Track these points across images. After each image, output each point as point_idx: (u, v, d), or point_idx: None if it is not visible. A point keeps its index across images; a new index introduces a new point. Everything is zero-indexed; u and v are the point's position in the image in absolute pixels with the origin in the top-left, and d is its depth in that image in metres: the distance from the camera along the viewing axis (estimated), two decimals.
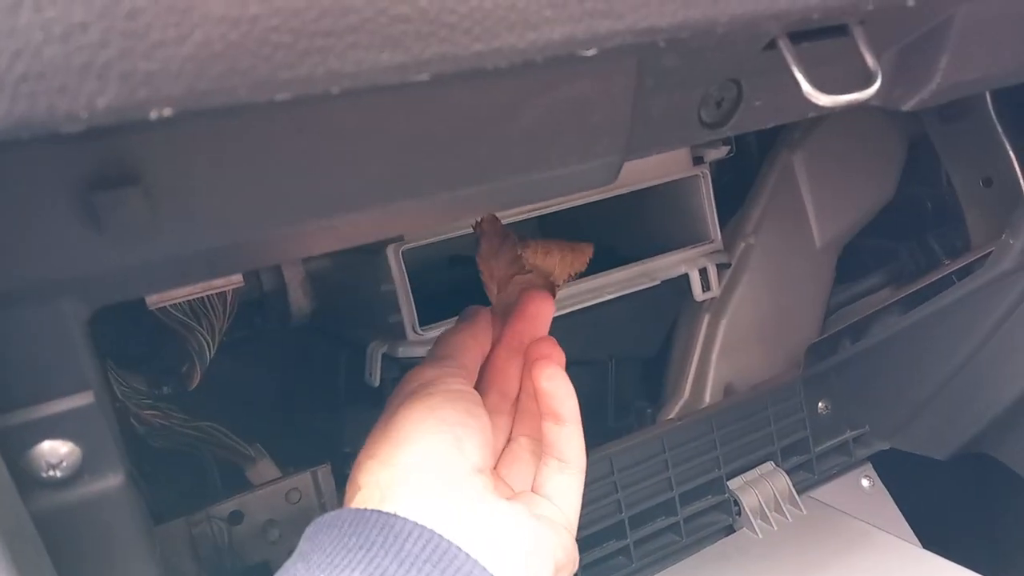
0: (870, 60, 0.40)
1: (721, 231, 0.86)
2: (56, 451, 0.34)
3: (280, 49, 0.24)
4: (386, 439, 0.46)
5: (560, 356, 0.53)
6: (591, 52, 0.29)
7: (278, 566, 0.72)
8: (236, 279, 0.71)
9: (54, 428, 0.34)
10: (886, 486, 0.94)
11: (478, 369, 0.55)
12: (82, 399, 0.34)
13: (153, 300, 0.67)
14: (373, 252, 0.74)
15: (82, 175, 0.29)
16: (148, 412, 0.78)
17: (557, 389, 0.50)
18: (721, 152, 0.85)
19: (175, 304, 0.72)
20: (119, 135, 0.28)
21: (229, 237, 0.34)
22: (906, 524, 0.92)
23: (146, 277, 0.34)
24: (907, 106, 0.49)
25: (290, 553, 0.73)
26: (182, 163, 0.31)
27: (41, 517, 0.35)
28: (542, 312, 0.56)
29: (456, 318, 0.57)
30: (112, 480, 0.36)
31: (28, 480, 0.35)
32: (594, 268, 0.82)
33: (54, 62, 0.22)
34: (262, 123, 0.32)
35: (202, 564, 0.71)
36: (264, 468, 0.77)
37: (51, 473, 0.35)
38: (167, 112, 0.23)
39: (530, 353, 0.54)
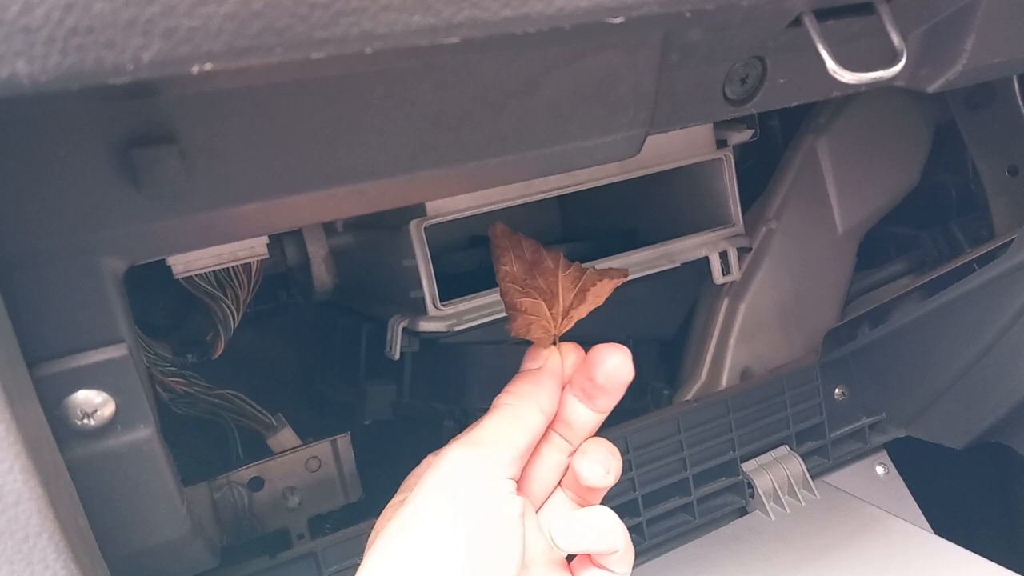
0: (895, 39, 0.40)
1: (743, 215, 0.86)
2: (91, 400, 0.36)
3: (316, 9, 0.25)
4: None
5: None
6: (618, 20, 0.29)
7: (296, 532, 0.74)
8: (260, 250, 0.72)
9: (89, 378, 0.35)
10: (901, 474, 0.94)
11: (532, 448, 0.44)
12: (116, 351, 0.36)
13: (179, 269, 0.68)
14: (395, 228, 0.75)
15: (122, 133, 0.30)
16: (172, 379, 0.80)
17: None
18: (745, 136, 0.85)
19: (201, 274, 0.73)
20: (158, 95, 0.29)
21: (259, 198, 0.35)
22: (920, 512, 0.92)
23: (180, 234, 0.35)
24: (932, 87, 0.49)
25: (308, 521, 0.75)
26: (216, 125, 0.32)
27: (75, 465, 0.37)
28: (615, 374, 0.44)
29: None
30: (143, 432, 0.38)
31: (63, 428, 0.36)
32: (616, 249, 0.83)
33: (102, 17, 0.23)
34: (294, 90, 0.33)
35: (223, 528, 0.73)
36: (285, 436, 0.78)
37: (85, 422, 0.36)
38: (208, 67, 0.24)
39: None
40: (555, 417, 0.46)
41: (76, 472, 0.37)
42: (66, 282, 0.34)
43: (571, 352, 0.47)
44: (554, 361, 0.46)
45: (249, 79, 0.29)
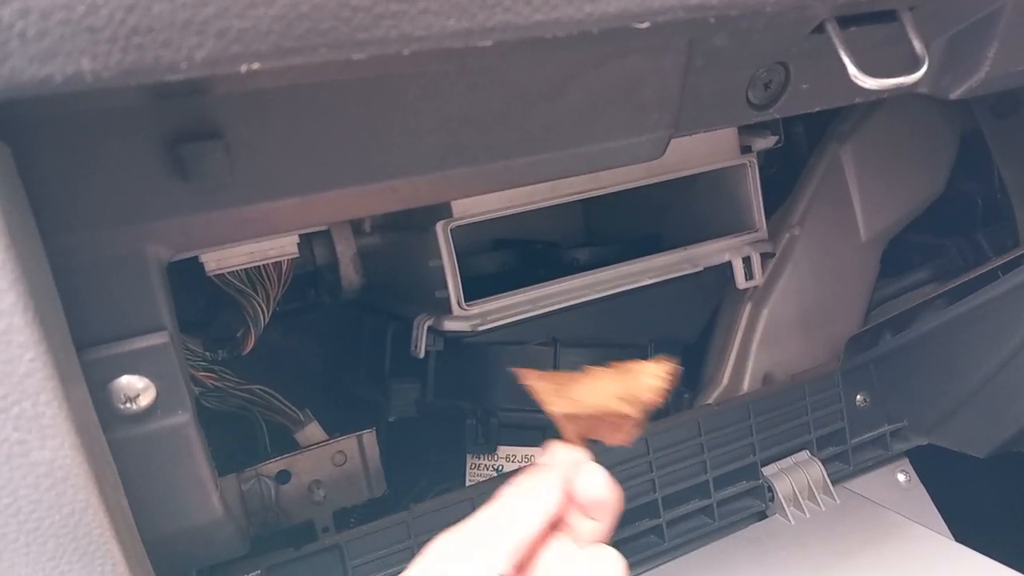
0: (918, 46, 0.41)
1: (767, 221, 0.87)
2: (133, 386, 0.37)
3: (359, 12, 0.26)
4: None
5: None
6: (644, 25, 0.31)
7: (321, 525, 0.76)
8: (291, 249, 0.73)
9: (132, 364, 0.37)
10: (923, 482, 0.93)
11: (528, 543, 0.40)
12: (158, 338, 0.37)
13: (212, 267, 0.70)
14: (422, 229, 0.76)
15: (171, 128, 0.32)
16: (203, 374, 0.82)
17: None
18: (769, 142, 0.85)
19: (233, 272, 0.75)
20: (206, 92, 0.31)
21: (296, 193, 0.36)
22: (941, 520, 0.92)
23: (223, 226, 0.36)
24: (955, 94, 0.49)
25: (333, 514, 0.77)
26: (259, 122, 0.34)
27: (116, 447, 0.38)
28: (591, 493, 0.41)
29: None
30: (182, 417, 0.39)
31: (107, 411, 0.37)
32: (639, 253, 0.84)
33: (161, 18, 0.24)
34: (333, 89, 0.35)
35: (250, 519, 0.74)
36: (312, 431, 0.80)
37: (128, 406, 0.37)
38: (256, 66, 0.26)
39: None
40: (561, 519, 0.43)
41: (117, 454, 0.38)
42: (114, 271, 0.35)
43: (573, 451, 0.44)
44: (558, 456, 0.43)
45: (292, 78, 0.31)
